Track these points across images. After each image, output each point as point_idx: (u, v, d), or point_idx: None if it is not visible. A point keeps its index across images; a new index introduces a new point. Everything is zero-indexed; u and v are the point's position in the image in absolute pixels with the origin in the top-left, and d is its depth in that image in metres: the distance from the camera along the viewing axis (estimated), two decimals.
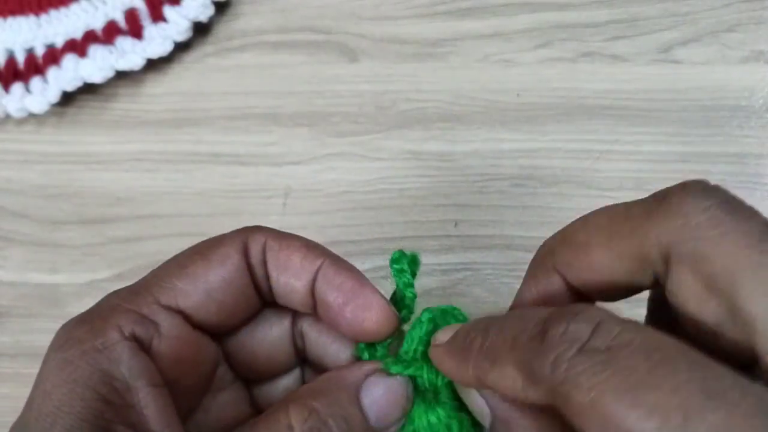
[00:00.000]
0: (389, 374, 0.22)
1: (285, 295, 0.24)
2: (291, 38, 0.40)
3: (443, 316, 0.25)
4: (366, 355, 0.24)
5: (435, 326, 0.24)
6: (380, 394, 0.22)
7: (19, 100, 0.41)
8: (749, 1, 0.36)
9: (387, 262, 0.35)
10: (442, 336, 0.22)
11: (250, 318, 0.25)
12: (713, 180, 0.34)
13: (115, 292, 0.23)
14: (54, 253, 0.40)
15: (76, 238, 0.40)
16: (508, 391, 0.18)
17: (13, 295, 0.39)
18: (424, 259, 0.35)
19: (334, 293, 0.23)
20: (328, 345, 0.25)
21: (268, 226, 0.25)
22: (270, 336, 0.26)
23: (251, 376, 0.26)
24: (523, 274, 0.34)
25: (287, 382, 0.27)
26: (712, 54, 0.35)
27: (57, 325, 0.38)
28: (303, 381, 0.27)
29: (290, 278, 0.23)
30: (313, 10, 0.40)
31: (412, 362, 0.24)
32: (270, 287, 0.24)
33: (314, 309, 0.24)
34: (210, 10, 0.40)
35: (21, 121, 0.42)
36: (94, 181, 0.40)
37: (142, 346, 0.21)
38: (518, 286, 0.33)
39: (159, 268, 0.24)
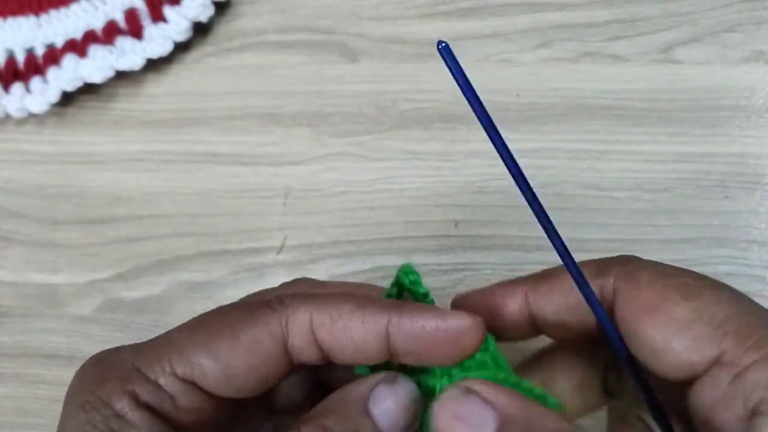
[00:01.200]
0: (394, 383, 0.22)
1: (353, 361, 0.23)
2: (291, 38, 0.40)
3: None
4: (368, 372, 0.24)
5: None
6: (388, 402, 0.22)
7: (19, 100, 0.41)
8: (749, 1, 0.36)
9: (387, 262, 0.35)
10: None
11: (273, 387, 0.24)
12: (713, 180, 0.34)
13: (138, 347, 0.23)
14: (54, 253, 0.40)
15: (76, 238, 0.40)
16: (564, 292, 0.23)
17: (13, 295, 0.39)
18: (424, 259, 0.35)
19: (418, 341, 0.22)
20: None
21: (309, 283, 0.25)
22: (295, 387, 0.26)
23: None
24: (523, 274, 0.34)
25: None
26: (713, 54, 0.35)
27: (57, 325, 0.39)
28: None
29: (357, 348, 0.22)
30: (313, 10, 0.40)
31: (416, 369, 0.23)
32: (321, 358, 0.23)
33: (394, 359, 0.23)
34: (210, 10, 0.40)
35: (21, 121, 0.42)
36: (94, 181, 0.40)
37: (158, 413, 0.21)
38: None
39: (189, 326, 0.23)
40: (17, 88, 0.41)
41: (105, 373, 0.22)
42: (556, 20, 0.37)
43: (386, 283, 0.34)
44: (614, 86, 0.36)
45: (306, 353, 0.22)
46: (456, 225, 0.35)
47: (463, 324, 0.22)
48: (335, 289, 0.25)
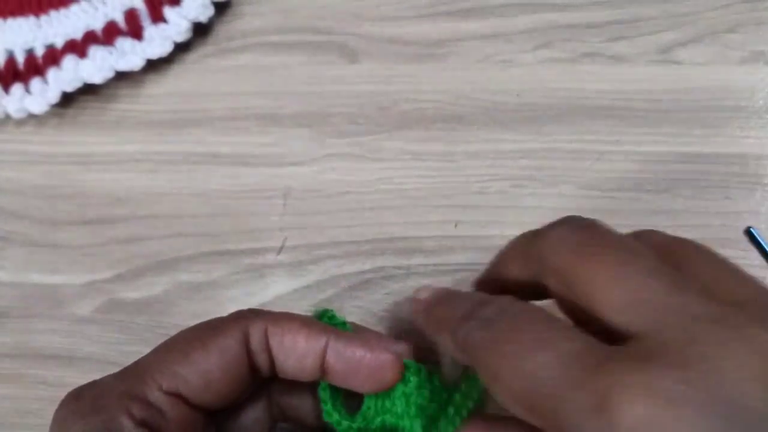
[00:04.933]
0: None
1: (293, 373, 0.26)
2: (291, 39, 0.40)
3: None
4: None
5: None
6: None
7: (19, 100, 0.41)
8: (749, 2, 0.36)
9: (387, 262, 0.35)
10: (423, 293, 0.27)
11: (242, 398, 0.27)
12: (713, 180, 0.34)
13: (118, 375, 0.25)
14: (54, 253, 0.40)
15: (76, 238, 0.40)
16: (448, 351, 0.24)
17: (13, 295, 0.39)
18: (424, 260, 0.35)
19: (347, 364, 0.25)
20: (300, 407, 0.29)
21: (264, 312, 0.27)
22: (252, 412, 0.28)
23: None
24: None
25: None
26: (713, 55, 0.35)
27: (57, 325, 0.39)
28: None
29: (299, 360, 0.25)
30: (314, 10, 0.40)
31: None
32: (270, 368, 0.26)
33: (323, 378, 0.26)
34: (210, 11, 0.40)
35: (21, 122, 0.42)
36: (94, 181, 0.40)
37: (152, 430, 0.23)
38: None
39: (161, 349, 0.25)
40: (17, 88, 0.41)
41: (96, 401, 0.23)
42: (556, 20, 0.37)
43: (386, 284, 0.35)
44: (614, 86, 0.36)
45: (260, 359, 0.26)
46: (456, 225, 0.35)
47: (384, 358, 0.25)
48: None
